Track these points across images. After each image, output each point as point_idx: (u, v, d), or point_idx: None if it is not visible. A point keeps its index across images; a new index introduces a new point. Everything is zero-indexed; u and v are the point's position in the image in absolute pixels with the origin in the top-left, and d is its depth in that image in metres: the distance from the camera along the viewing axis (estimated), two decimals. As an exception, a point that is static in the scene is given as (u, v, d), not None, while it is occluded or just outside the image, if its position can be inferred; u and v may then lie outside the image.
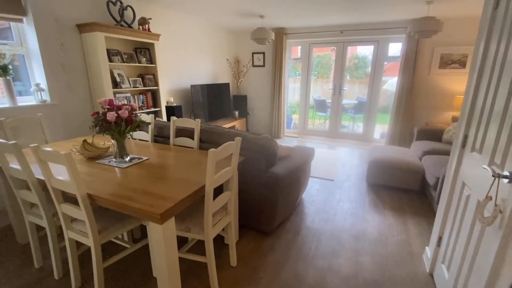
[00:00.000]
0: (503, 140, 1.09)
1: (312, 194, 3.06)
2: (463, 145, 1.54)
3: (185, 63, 4.33)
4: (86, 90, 2.93)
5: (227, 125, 4.76)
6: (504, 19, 1.21)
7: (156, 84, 3.54)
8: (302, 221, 2.49)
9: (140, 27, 3.29)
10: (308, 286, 1.73)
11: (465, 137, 1.52)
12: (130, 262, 1.92)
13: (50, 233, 1.68)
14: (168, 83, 4.02)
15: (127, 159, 1.86)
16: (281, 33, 5.11)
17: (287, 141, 5.47)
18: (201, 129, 2.35)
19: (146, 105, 3.51)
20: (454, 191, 1.62)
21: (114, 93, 3.06)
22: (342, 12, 3.85)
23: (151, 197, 1.33)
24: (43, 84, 2.59)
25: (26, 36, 2.50)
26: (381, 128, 5.66)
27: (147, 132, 2.53)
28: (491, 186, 1.09)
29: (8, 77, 2.29)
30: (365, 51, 5.42)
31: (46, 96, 2.62)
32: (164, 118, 3.70)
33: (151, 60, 3.49)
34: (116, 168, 1.72)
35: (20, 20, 2.41)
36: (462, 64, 4.25)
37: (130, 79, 3.25)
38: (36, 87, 2.53)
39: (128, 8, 3.14)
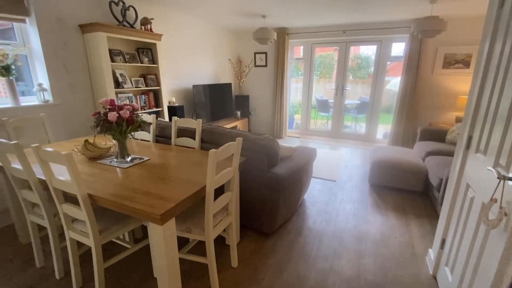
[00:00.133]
0: (509, 141, 1.07)
1: (314, 194, 3.04)
2: (468, 146, 1.52)
3: (187, 63, 4.33)
4: (89, 90, 2.94)
5: (229, 125, 4.75)
6: (510, 18, 1.19)
7: (158, 84, 3.54)
8: (304, 222, 2.48)
9: (142, 27, 3.29)
10: (309, 287, 1.72)
11: (470, 138, 1.50)
12: (131, 263, 1.92)
13: (52, 233, 1.69)
14: (170, 83, 4.02)
15: (129, 159, 1.86)
16: (283, 33, 5.10)
17: (289, 141, 5.45)
18: (203, 129, 2.34)
19: (148, 105, 3.51)
20: (458, 192, 1.60)
21: (116, 93, 3.07)
22: (345, 12, 3.83)
23: (151, 197, 1.33)
24: (46, 84, 2.60)
25: (29, 36, 2.51)
26: (384, 129, 5.62)
27: (149, 132, 2.53)
28: (496, 188, 1.07)
29: (11, 77, 2.30)
30: (368, 51, 5.39)
31: (48, 96, 2.63)
32: (166, 118, 3.70)
33: (153, 60, 3.49)
34: (117, 168, 1.72)
35: (23, 21, 2.42)
36: (466, 64, 4.21)
37: (132, 79, 3.26)
38: (38, 87, 2.54)
39: (131, 8, 3.14)
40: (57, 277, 1.76)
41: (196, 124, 2.30)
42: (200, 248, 2.07)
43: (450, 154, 3.16)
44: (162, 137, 2.56)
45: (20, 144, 1.48)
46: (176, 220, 1.58)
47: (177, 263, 1.39)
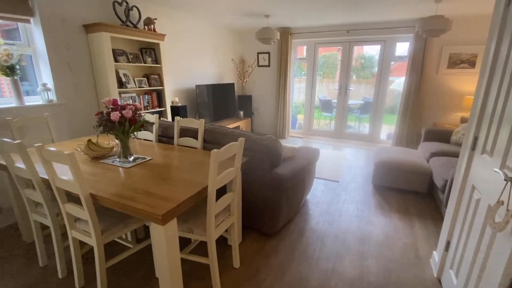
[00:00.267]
0: (516, 143, 1.05)
1: (316, 195, 3.02)
2: (473, 147, 1.49)
3: (190, 63, 4.33)
4: (92, 90, 2.95)
5: (231, 125, 4.75)
6: (518, 16, 1.17)
7: (161, 84, 3.55)
8: (306, 222, 2.46)
9: (146, 27, 3.30)
10: (312, 289, 1.70)
11: (475, 138, 1.48)
12: (133, 262, 1.92)
13: (54, 232, 1.69)
14: (173, 83, 4.03)
15: (131, 159, 1.86)
16: (286, 33, 5.08)
17: (292, 141, 5.44)
18: (205, 129, 2.34)
19: (151, 105, 3.52)
20: (463, 194, 1.57)
21: (120, 93, 3.08)
22: (348, 12, 3.80)
23: (153, 197, 1.32)
24: (50, 84, 2.61)
25: (33, 36, 2.53)
26: (388, 129, 5.58)
27: (152, 132, 2.54)
28: (503, 190, 1.05)
29: (15, 77, 2.32)
30: (372, 50, 5.35)
31: (52, 96, 2.64)
32: (169, 118, 3.71)
33: (157, 60, 3.50)
34: (120, 168, 1.72)
35: (28, 21, 2.44)
36: (472, 64, 4.16)
37: (135, 79, 3.27)
38: (43, 87, 2.56)
39: (134, 8, 3.15)
40: (60, 276, 1.77)
41: (198, 124, 2.30)
42: (202, 248, 2.06)
43: (455, 155, 3.12)
44: (164, 137, 2.56)
45: (23, 144, 1.49)
46: (178, 220, 1.58)
47: (178, 263, 1.39)
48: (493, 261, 1.13)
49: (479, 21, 3.98)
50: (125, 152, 1.82)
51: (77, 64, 2.77)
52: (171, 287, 1.35)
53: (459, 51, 4.18)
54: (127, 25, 3.04)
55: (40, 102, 2.57)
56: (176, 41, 3.97)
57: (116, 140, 1.90)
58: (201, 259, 1.61)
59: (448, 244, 1.70)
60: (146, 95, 3.44)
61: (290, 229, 2.35)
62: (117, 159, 1.85)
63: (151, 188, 1.42)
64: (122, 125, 1.69)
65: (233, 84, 5.27)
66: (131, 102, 3.18)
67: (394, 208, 2.74)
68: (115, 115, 1.62)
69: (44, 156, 1.37)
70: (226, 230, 1.98)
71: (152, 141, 2.52)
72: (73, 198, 1.48)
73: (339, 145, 5.18)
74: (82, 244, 1.71)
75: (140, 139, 2.59)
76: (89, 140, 1.89)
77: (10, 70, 2.26)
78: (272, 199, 2.09)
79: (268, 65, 5.63)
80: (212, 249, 1.55)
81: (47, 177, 1.46)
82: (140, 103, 3.36)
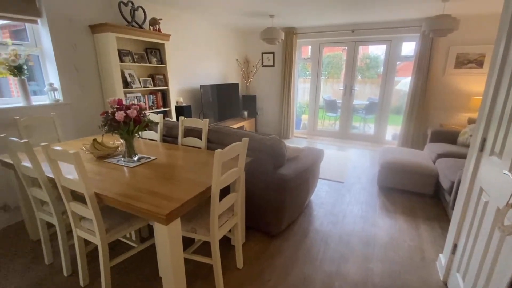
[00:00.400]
0: (526, 144, 1.03)
1: (321, 196, 3.00)
2: (481, 148, 1.47)
3: (194, 63, 4.35)
4: (98, 90, 2.98)
5: (236, 125, 4.75)
6: (528, 15, 1.14)
7: (166, 84, 3.57)
8: (310, 223, 2.45)
9: (151, 27, 3.32)
10: (315, 291, 1.69)
11: (484, 140, 1.45)
12: (137, 261, 1.93)
13: (60, 230, 1.71)
14: (178, 83, 4.04)
15: (136, 158, 1.87)
16: (291, 33, 5.07)
17: (296, 141, 5.42)
18: (209, 129, 2.34)
19: (156, 105, 3.54)
20: (471, 196, 1.54)
21: (125, 93, 3.10)
22: (354, 11, 3.77)
23: (157, 197, 1.33)
24: (57, 84, 2.64)
25: (40, 37, 2.56)
26: (393, 130, 5.53)
27: (156, 131, 2.55)
28: (512, 192, 1.03)
29: (23, 77, 2.35)
30: (377, 50, 5.31)
31: (59, 96, 2.67)
32: (174, 118, 3.72)
33: (162, 60, 3.51)
34: (125, 168, 1.73)
35: (35, 21, 2.47)
36: (479, 64, 4.09)
37: (140, 79, 3.29)
38: (49, 86, 2.59)
39: (139, 8, 3.17)
40: (65, 274, 1.78)
41: (202, 124, 2.30)
42: (205, 248, 2.06)
43: (462, 156, 3.07)
44: (169, 136, 2.57)
45: (29, 143, 1.51)
46: (182, 220, 1.58)
47: (182, 263, 1.39)
48: (502, 265, 1.11)
49: (487, 21, 3.92)
50: (130, 151, 1.83)
51: (83, 64, 2.80)
52: (175, 287, 1.36)
53: (467, 50, 4.12)
54: (133, 26, 3.06)
55: (47, 102, 2.60)
56: (181, 41, 3.98)
57: (121, 140, 1.91)
58: (205, 259, 1.61)
59: (455, 247, 1.67)
60: (151, 95, 3.46)
61: (294, 230, 2.34)
62: (122, 159, 1.86)
63: (155, 188, 1.43)
64: (127, 124, 1.70)
65: (237, 84, 5.28)
66: (136, 102, 3.20)
67: (399, 209, 2.71)
68: (120, 115, 1.63)
69: (50, 155, 1.39)
70: (230, 230, 1.97)
71: (156, 140, 2.53)
72: (78, 197, 1.49)
73: (343, 145, 5.14)
74: (87, 242, 1.73)
75: (145, 138, 2.60)
76: (95, 140, 1.91)
77: (17, 70, 2.29)
78: (275, 200, 2.08)
79: (273, 65, 5.62)
80: (216, 249, 1.55)
81: (53, 176, 1.48)
82: (145, 103, 3.38)
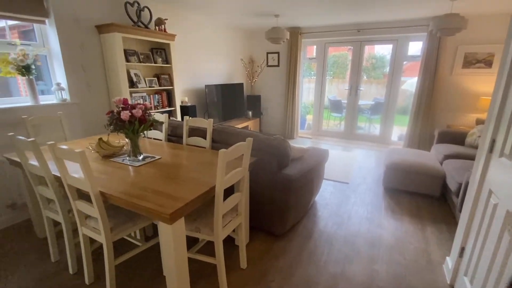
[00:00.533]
0: (538, 146, 1.00)
1: (325, 197, 2.98)
2: (491, 149, 1.44)
3: (200, 63, 4.36)
4: (104, 89, 3.01)
5: (240, 125, 4.75)
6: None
7: (171, 84, 3.58)
8: (314, 224, 2.43)
9: (157, 27, 3.34)
10: (319, 292, 1.68)
11: (493, 141, 1.42)
12: (142, 260, 1.94)
13: (66, 228, 1.73)
14: (183, 83, 4.06)
15: (140, 157, 1.88)
16: (296, 33, 5.05)
17: (300, 142, 5.39)
18: (214, 129, 2.34)
19: (161, 104, 3.56)
20: (479, 198, 1.51)
21: (131, 93, 3.12)
22: (360, 10, 3.74)
23: (161, 196, 1.33)
24: (64, 84, 2.67)
25: (48, 37, 2.59)
26: (399, 130, 5.46)
27: (161, 131, 2.56)
28: (523, 195, 1.00)
29: (31, 77, 2.38)
30: (383, 50, 5.25)
31: (66, 95, 2.70)
32: (179, 118, 3.74)
33: (167, 60, 3.53)
34: (130, 167, 1.74)
35: (43, 22, 2.50)
36: (488, 64, 4.02)
37: (146, 79, 3.31)
38: (57, 86, 2.62)
39: (145, 9, 3.19)
40: (71, 271, 1.80)
41: (207, 123, 2.31)
42: (209, 248, 2.06)
43: (470, 157, 3.02)
44: (174, 136, 2.58)
45: (36, 142, 1.52)
46: (186, 220, 1.58)
47: (185, 262, 1.39)
48: (511, 269, 1.08)
49: (496, 20, 3.85)
50: (135, 151, 1.84)
51: (90, 64, 2.83)
52: (178, 286, 1.36)
53: (475, 50, 4.04)
54: (139, 26, 3.08)
55: (54, 101, 2.64)
56: (186, 41, 4.00)
57: (126, 139, 1.92)
58: (208, 259, 1.61)
59: (462, 250, 1.64)
60: (156, 95, 3.48)
61: (298, 231, 2.33)
62: (127, 158, 1.87)
63: (159, 187, 1.43)
64: (132, 124, 1.71)
65: (242, 84, 5.28)
66: (141, 102, 3.22)
67: (405, 211, 2.68)
68: (125, 114, 1.64)
69: (56, 154, 1.40)
70: (234, 230, 1.97)
71: (161, 140, 2.54)
72: (84, 196, 1.51)
73: (348, 146, 5.10)
74: (92, 241, 1.74)
75: (150, 138, 2.62)
76: (100, 139, 1.92)
77: (26, 70, 2.32)
78: (280, 200, 2.07)
79: (278, 65, 5.60)
80: (219, 249, 1.55)
81: (59, 175, 1.49)
82: (150, 102, 3.40)
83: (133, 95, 3.17)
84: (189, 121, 2.40)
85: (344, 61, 5.68)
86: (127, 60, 3.00)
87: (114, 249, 1.96)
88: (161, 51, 3.48)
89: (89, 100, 2.88)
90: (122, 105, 1.74)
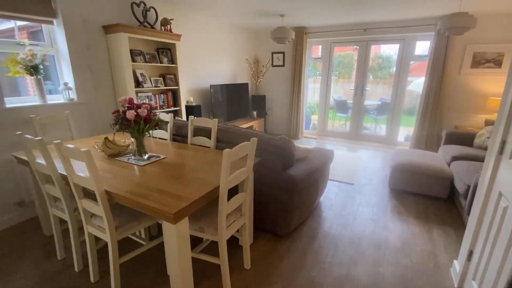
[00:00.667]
0: (550, 147, 0.97)
1: (330, 198, 2.96)
2: (501, 151, 1.40)
3: (205, 63, 4.37)
4: (111, 89, 3.04)
5: (245, 125, 4.75)
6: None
7: (177, 83, 3.60)
8: (319, 225, 2.42)
9: (162, 27, 3.35)
10: (324, 294, 1.66)
11: (503, 142, 1.39)
12: (146, 259, 1.95)
13: (72, 226, 1.74)
14: (188, 83, 4.07)
15: (146, 157, 1.89)
16: (301, 32, 5.03)
17: (305, 142, 5.37)
18: (218, 128, 2.34)
19: (166, 104, 3.58)
20: (489, 201, 1.48)
21: (137, 92, 3.14)
22: (366, 10, 3.70)
23: (166, 196, 1.33)
24: (71, 83, 2.71)
25: (56, 37, 2.63)
26: (406, 131, 5.40)
27: (166, 130, 2.57)
28: (535, 198, 0.97)
29: (39, 76, 2.42)
30: (390, 50, 5.19)
31: (73, 95, 2.73)
32: (184, 118, 3.75)
33: (172, 60, 3.55)
34: (135, 166, 1.75)
35: (51, 22, 2.53)
36: (498, 64, 3.94)
37: (152, 78, 3.33)
38: (64, 86, 2.65)
39: (151, 9, 3.21)
40: (76, 269, 1.82)
41: (212, 123, 2.31)
42: (213, 248, 2.06)
43: (479, 159, 2.96)
44: (179, 136, 2.59)
45: (43, 140, 1.54)
46: (190, 219, 1.58)
47: (189, 262, 1.39)
48: (522, 274, 1.05)
49: (506, 19, 3.77)
50: (140, 150, 1.85)
51: (96, 64, 2.86)
52: (182, 286, 1.36)
53: (484, 50, 3.97)
54: (145, 26, 3.10)
55: (62, 101, 2.67)
56: (191, 41, 4.01)
57: (132, 138, 1.93)
58: (212, 259, 1.61)
59: (471, 253, 1.61)
60: (162, 95, 3.50)
61: (303, 232, 2.31)
62: (132, 157, 1.88)
63: (164, 187, 1.43)
64: (138, 123, 1.72)
65: (247, 84, 5.27)
66: (147, 101, 3.24)
67: (411, 213, 2.64)
68: (130, 114, 1.65)
69: (62, 153, 1.42)
70: (238, 231, 1.97)
71: (166, 139, 2.55)
72: (89, 194, 1.52)
73: (354, 146, 5.06)
74: (97, 239, 1.76)
75: (155, 137, 2.63)
76: (106, 138, 1.94)
77: (34, 70, 2.35)
78: (284, 200, 2.06)
79: (283, 65, 5.59)
80: (223, 249, 1.55)
81: (65, 173, 1.51)
82: (156, 102, 3.42)
83: (139, 94, 3.20)
84: (194, 121, 2.41)
85: (350, 61, 5.64)
86: (133, 60, 3.02)
87: (119, 247, 1.97)
88: (166, 51, 3.50)
89: (95, 100, 2.91)
90: (128, 105, 1.75)
